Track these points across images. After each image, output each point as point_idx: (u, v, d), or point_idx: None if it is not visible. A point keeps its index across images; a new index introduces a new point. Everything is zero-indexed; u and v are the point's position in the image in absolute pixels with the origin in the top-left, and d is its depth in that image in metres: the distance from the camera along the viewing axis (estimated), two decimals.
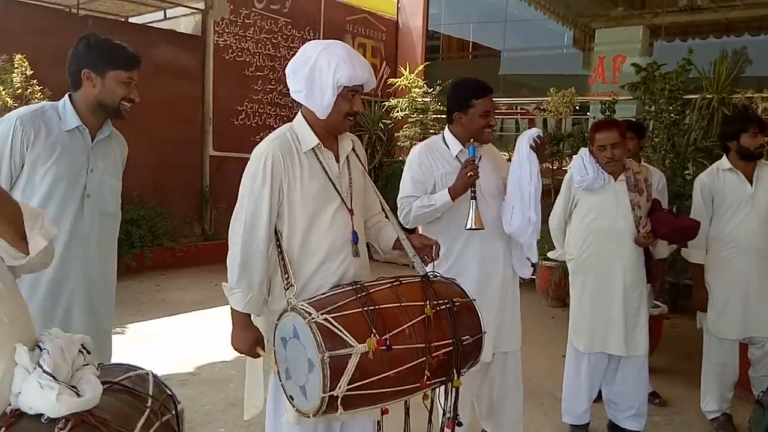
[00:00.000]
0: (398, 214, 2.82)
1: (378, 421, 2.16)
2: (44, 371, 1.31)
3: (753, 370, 3.47)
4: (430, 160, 2.79)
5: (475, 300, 2.03)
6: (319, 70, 1.95)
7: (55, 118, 2.22)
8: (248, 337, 2.01)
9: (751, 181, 3.33)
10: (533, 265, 2.92)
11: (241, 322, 2.01)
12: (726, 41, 8.35)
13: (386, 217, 2.26)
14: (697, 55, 5.95)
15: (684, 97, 5.90)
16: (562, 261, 3.62)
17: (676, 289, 5.90)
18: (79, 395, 1.31)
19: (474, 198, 2.64)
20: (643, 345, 3.22)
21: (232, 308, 2.01)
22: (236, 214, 2.00)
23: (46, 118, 2.21)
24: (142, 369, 1.57)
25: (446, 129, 2.87)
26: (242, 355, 2.07)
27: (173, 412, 1.53)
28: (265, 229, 1.97)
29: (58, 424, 1.26)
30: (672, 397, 3.92)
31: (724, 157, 3.44)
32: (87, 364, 1.43)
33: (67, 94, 2.29)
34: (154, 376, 1.57)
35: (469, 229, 2.62)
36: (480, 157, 2.71)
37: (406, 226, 2.84)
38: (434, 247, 2.14)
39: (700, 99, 6.21)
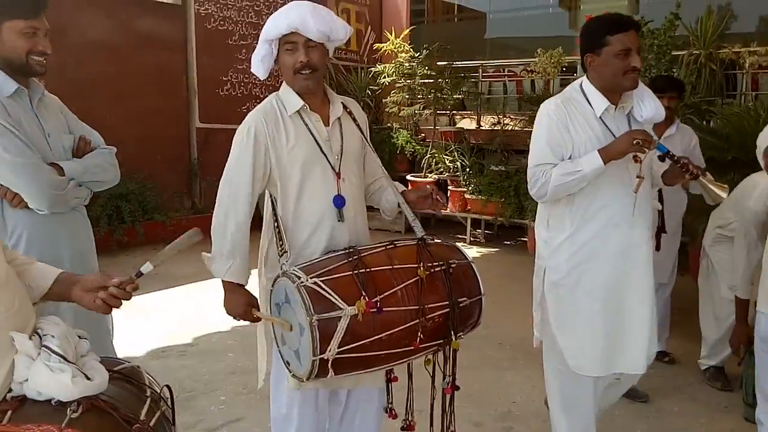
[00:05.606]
0: (529, 186, 2.34)
1: (387, 389, 2.13)
2: (54, 352, 1.29)
3: None
4: (568, 120, 2.28)
5: (473, 262, 1.99)
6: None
7: None
8: (240, 300, 1.99)
9: None
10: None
11: (230, 287, 2.00)
12: None
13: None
14: (683, 11, 5.91)
15: (672, 53, 5.88)
16: None
17: None
18: (89, 379, 1.30)
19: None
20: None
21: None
22: (221, 185, 2.00)
23: None
24: (128, 362, 1.58)
25: (584, 79, 2.35)
26: (239, 323, 2.08)
27: (168, 403, 1.55)
28: (246, 199, 1.96)
29: (71, 406, 1.24)
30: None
31: None
32: (85, 354, 1.43)
33: None
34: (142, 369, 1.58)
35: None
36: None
37: (541, 201, 2.40)
38: (432, 193, 2.02)
39: (688, 55, 6.19)
